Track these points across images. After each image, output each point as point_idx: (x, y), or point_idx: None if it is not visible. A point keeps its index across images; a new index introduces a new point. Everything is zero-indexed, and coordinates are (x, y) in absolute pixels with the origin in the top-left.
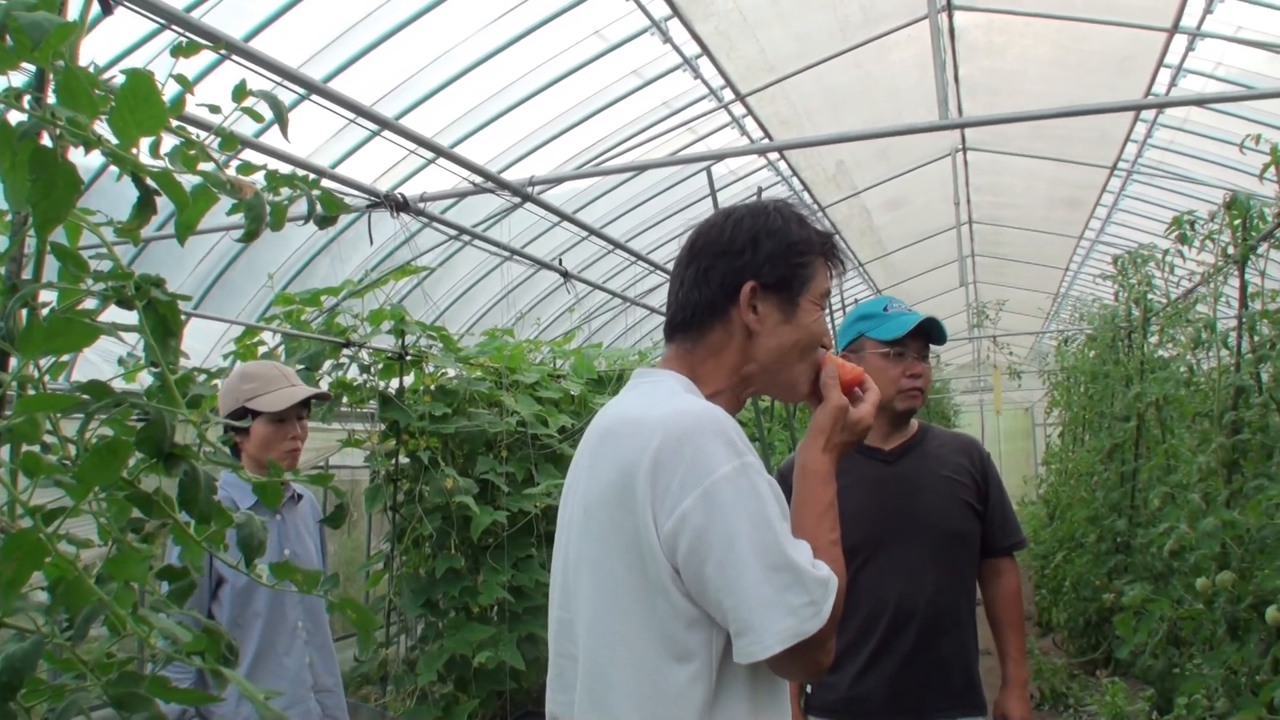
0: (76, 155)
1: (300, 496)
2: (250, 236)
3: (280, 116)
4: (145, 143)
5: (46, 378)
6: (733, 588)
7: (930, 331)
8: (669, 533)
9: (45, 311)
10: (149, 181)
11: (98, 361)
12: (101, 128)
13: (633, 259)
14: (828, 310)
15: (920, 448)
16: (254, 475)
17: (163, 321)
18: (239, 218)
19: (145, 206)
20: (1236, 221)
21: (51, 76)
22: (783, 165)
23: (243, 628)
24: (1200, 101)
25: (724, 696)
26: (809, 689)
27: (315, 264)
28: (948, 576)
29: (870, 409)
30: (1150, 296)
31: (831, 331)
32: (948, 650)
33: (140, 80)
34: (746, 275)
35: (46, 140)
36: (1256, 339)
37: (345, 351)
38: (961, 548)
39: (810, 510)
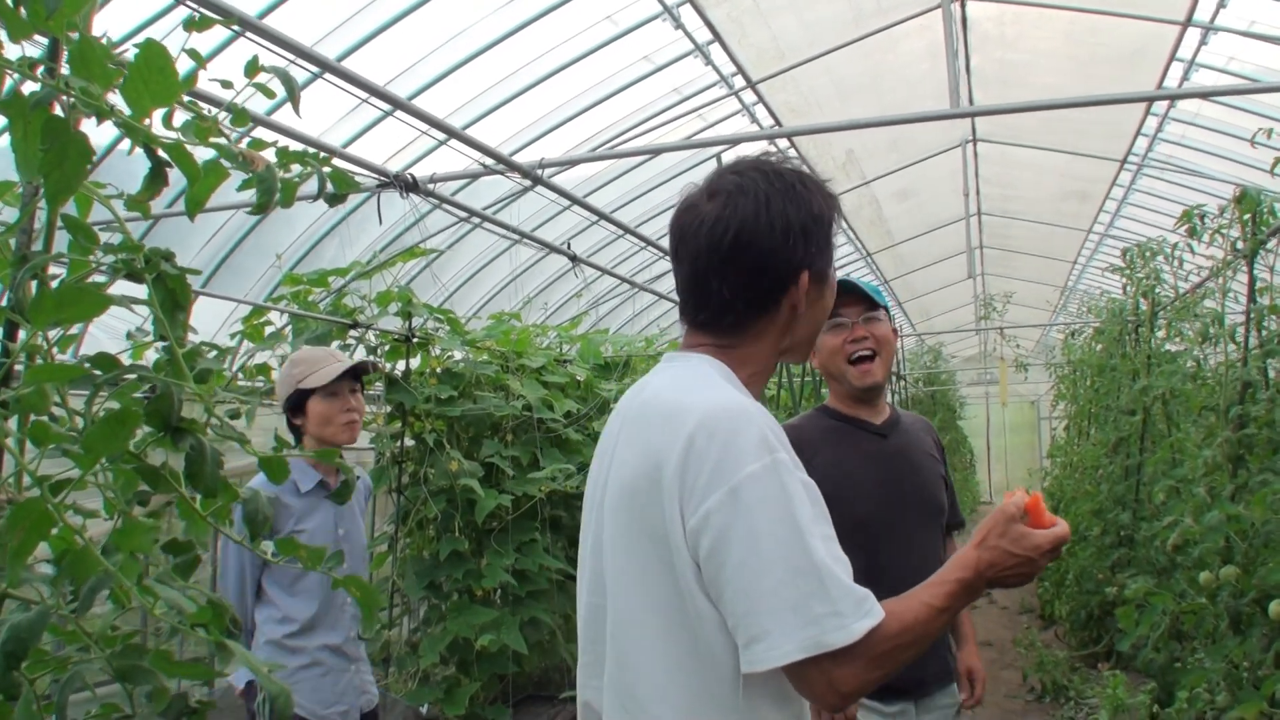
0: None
1: (358, 476)
2: (261, 209)
3: (292, 92)
4: (158, 115)
5: (55, 350)
6: (751, 591)
7: (858, 290)
8: (693, 529)
9: (54, 284)
10: (161, 153)
11: (101, 337)
12: (114, 99)
13: (642, 244)
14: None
15: (900, 425)
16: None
17: (171, 295)
18: (249, 195)
19: (157, 178)
20: (1246, 216)
21: (64, 47)
22: (793, 154)
23: (300, 596)
24: (1209, 94)
25: (752, 698)
26: None
27: (323, 245)
28: (938, 552)
29: (1047, 537)
30: (1158, 290)
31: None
32: None
33: (154, 51)
34: (802, 269)
35: (58, 111)
36: (1264, 334)
37: (352, 333)
38: (942, 523)
39: (931, 588)
